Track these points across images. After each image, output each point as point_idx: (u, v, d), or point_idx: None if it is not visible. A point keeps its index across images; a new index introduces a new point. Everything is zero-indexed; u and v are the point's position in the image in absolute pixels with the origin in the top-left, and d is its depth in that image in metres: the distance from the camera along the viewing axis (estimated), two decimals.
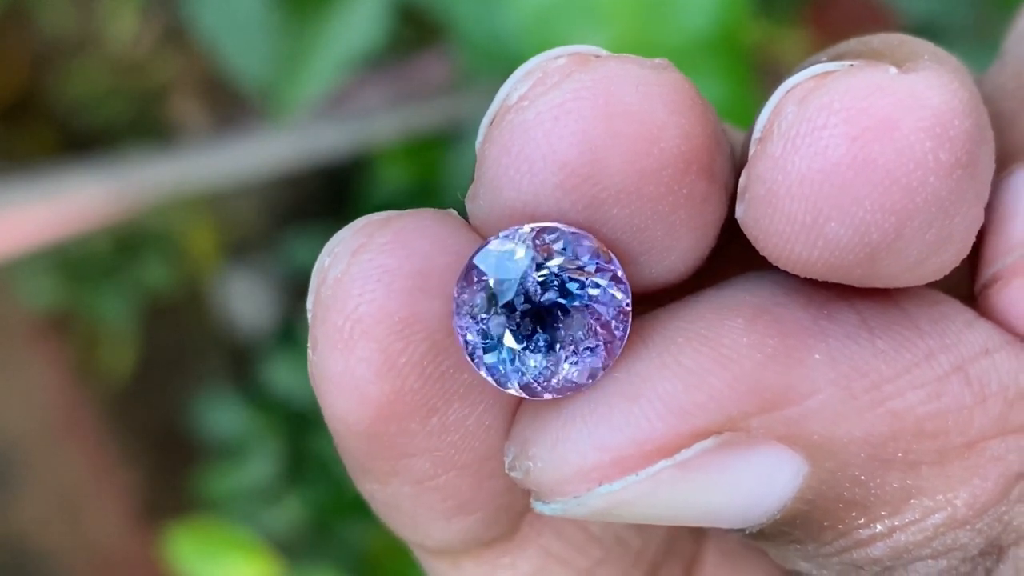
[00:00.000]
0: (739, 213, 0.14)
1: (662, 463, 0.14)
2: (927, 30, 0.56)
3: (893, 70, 0.13)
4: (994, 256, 0.15)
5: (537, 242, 0.14)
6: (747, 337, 0.14)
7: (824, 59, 0.15)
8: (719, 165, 0.14)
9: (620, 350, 0.14)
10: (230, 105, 0.82)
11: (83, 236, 0.76)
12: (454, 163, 0.64)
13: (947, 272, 0.14)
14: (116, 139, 0.81)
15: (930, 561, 0.15)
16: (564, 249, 0.14)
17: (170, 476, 0.83)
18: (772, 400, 0.14)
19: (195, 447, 0.76)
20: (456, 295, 0.14)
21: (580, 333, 0.14)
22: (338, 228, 0.15)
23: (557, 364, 0.14)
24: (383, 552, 0.70)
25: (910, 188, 0.13)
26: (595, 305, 0.14)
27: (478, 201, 0.14)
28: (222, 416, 0.72)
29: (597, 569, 0.17)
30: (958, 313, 0.15)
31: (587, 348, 0.14)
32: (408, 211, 0.14)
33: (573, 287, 0.14)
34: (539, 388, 0.14)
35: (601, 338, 0.14)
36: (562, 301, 0.14)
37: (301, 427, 0.70)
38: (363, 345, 0.14)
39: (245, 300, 0.86)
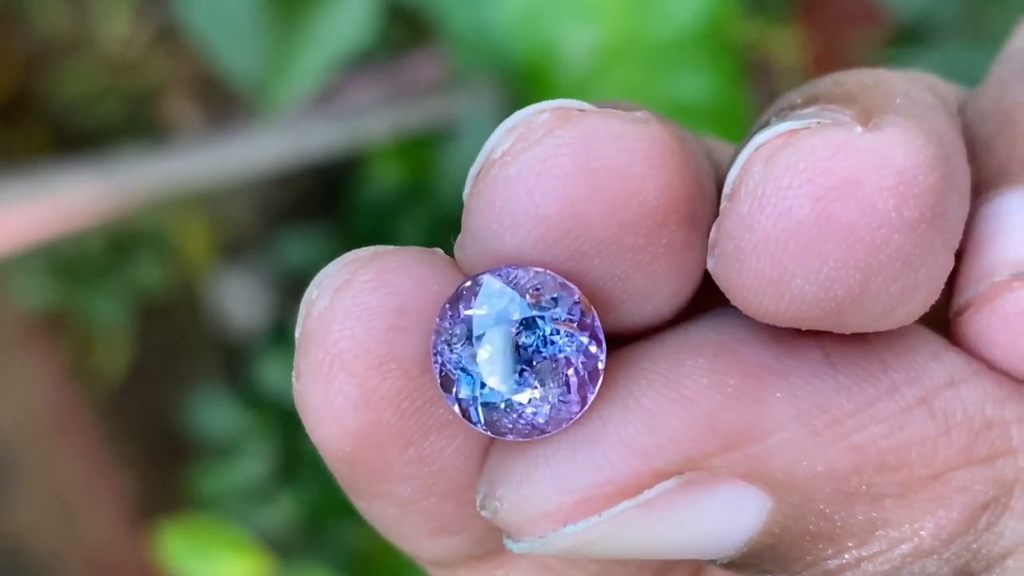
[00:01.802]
0: (710, 265, 0.14)
1: (624, 504, 0.14)
2: (918, 27, 0.56)
3: (858, 129, 0.13)
4: (967, 283, 0.15)
5: (526, 286, 0.14)
6: (707, 377, 0.14)
7: (798, 99, 0.15)
8: (701, 213, 0.14)
9: (588, 404, 0.14)
10: (223, 105, 0.82)
11: (77, 235, 0.76)
12: (446, 161, 0.64)
13: (916, 318, 0.14)
14: (110, 138, 0.81)
15: None
16: (551, 299, 0.14)
17: (164, 475, 0.83)
18: (733, 439, 0.14)
19: (189, 446, 0.76)
20: (438, 321, 0.14)
21: (551, 382, 0.14)
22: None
23: (524, 408, 0.14)
24: (375, 551, 0.70)
25: (874, 245, 0.13)
26: (571, 358, 0.14)
27: (465, 251, 0.15)
28: (215, 415, 0.72)
29: None
30: (924, 345, 0.15)
31: (557, 397, 0.14)
32: (393, 248, 0.15)
33: (553, 336, 0.14)
34: (503, 428, 0.14)
35: (572, 390, 0.14)
36: (540, 348, 0.14)
37: (294, 426, 0.70)
38: (342, 379, 0.14)
39: (238, 299, 0.86)
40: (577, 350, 0.14)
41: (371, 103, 0.69)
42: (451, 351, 0.14)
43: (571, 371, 0.14)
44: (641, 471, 0.14)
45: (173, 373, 0.87)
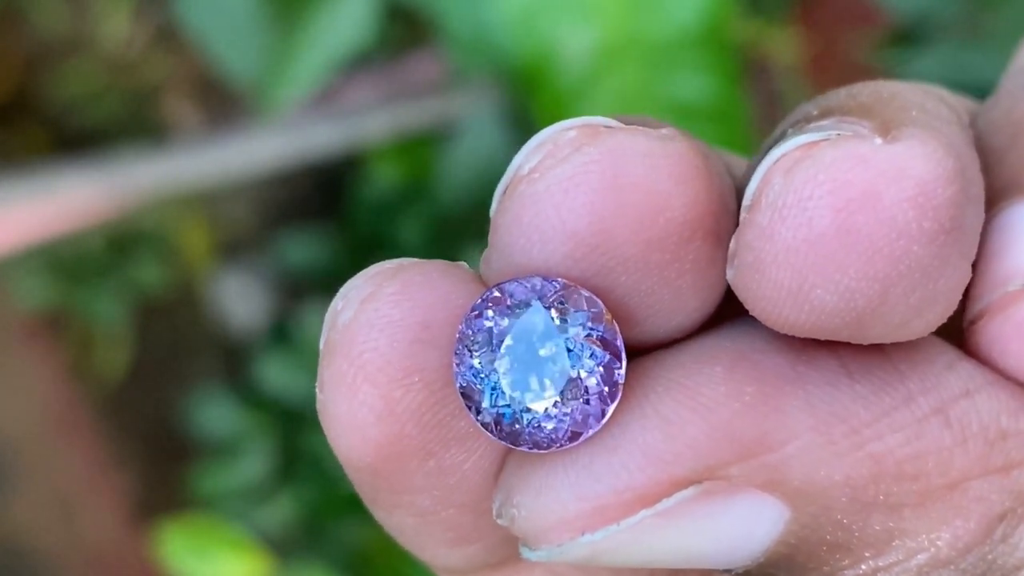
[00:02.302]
0: (729, 276, 0.14)
1: (643, 513, 0.14)
2: (916, 27, 0.56)
3: (878, 140, 0.13)
4: (980, 293, 0.15)
5: (551, 298, 0.14)
6: (725, 386, 0.14)
7: (814, 111, 0.15)
8: (725, 228, 0.14)
9: (604, 421, 0.14)
10: (223, 105, 0.82)
11: (76, 235, 0.76)
12: (445, 161, 0.64)
13: (934, 329, 0.14)
14: (109, 139, 0.81)
15: None
16: (576, 312, 0.14)
17: (164, 475, 0.83)
18: (750, 448, 0.14)
19: (188, 445, 0.76)
20: (461, 328, 0.14)
21: (570, 395, 0.14)
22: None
23: (541, 419, 0.14)
24: (375, 550, 0.70)
25: (893, 257, 0.13)
26: (592, 372, 0.14)
27: (491, 266, 0.15)
28: (215, 415, 0.72)
29: None
30: (940, 355, 0.15)
31: (575, 411, 0.14)
32: (418, 262, 0.15)
33: (575, 350, 0.14)
34: (520, 439, 0.14)
35: (591, 405, 0.14)
36: (561, 360, 0.14)
37: (294, 426, 0.70)
38: (365, 390, 0.14)
39: (238, 299, 0.86)
40: (598, 365, 0.14)
41: (370, 103, 0.69)
42: (472, 358, 0.14)
43: (591, 386, 0.14)
44: (659, 479, 0.14)
45: (173, 373, 0.87)
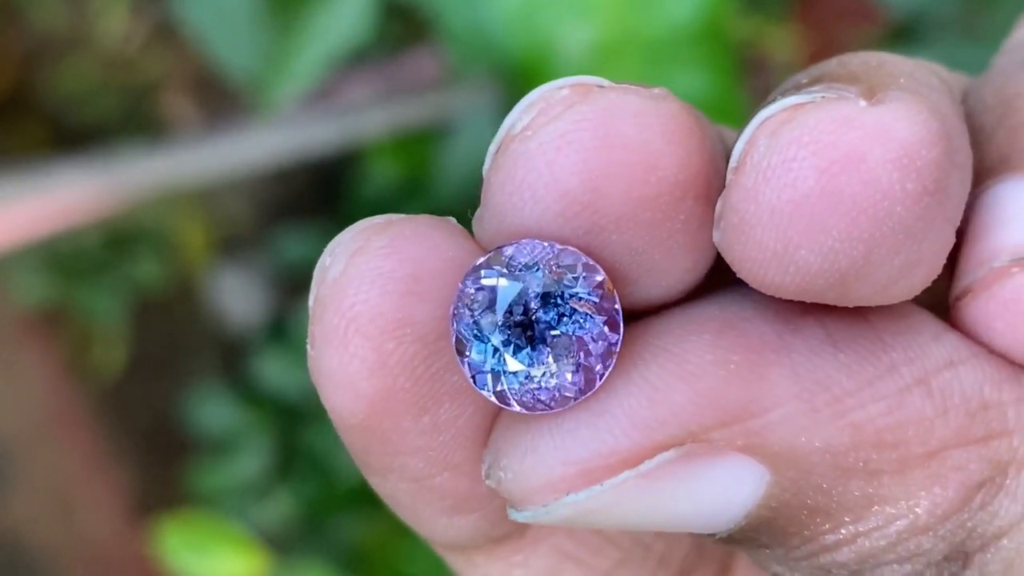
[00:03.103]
0: (716, 238, 0.14)
1: (625, 474, 0.14)
2: (914, 24, 0.56)
3: (862, 102, 0.14)
4: (966, 269, 0.15)
5: (551, 262, 0.14)
6: (711, 353, 0.14)
7: (804, 80, 0.15)
8: (716, 190, 0.15)
9: (597, 387, 0.14)
10: (221, 101, 0.82)
11: (74, 232, 0.76)
12: (443, 158, 0.64)
13: (918, 292, 0.14)
14: (107, 135, 0.81)
15: (895, 566, 0.15)
16: (573, 277, 0.14)
17: (162, 471, 0.83)
18: (734, 413, 0.14)
19: (186, 442, 0.76)
20: (460, 286, 0.14)
21: (564, 360, 0.14)
22: (328, 224, 0.15)
23: (533, 381, 0.14)
24: (374, 547, 0.70)
25: (877, 217, 0.13)
26: (586, 338, 0.14)
27: (484, 225, 0.15)
28: (213, 411, 0.72)
29: (616, 571, 0.18)
30: (925, 326, 0.15)
31: (566, 375, 0.14)
32: (406, 216, 0.15)
33: (571, 315, 0.14)
34: (510, 399, 0.14)
35: (582, 370, 0.14)
36: (556, 325, 0.14)
37: (292, 422, 0.70)
38: (357, 343, 0.14)
39: (236, 296, 0.86)
40: (593, 331, 0.14)
41: (368, 100, 0.69)
42: (470, 316, 0.14)
43: (584, 352, 0.14)
44: (643, 444, 0.14)
45: (171, 369, 0.87)
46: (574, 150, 0.14)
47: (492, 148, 0.15)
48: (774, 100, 0.14)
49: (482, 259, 0.14)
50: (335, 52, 0.52)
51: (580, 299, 0.14)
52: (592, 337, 0.14)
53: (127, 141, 0.76)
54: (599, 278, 0.14)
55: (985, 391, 0.15)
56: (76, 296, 0.82)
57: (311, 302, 0.15)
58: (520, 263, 0.14)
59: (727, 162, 0.15)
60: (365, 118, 0.64)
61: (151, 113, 0.84)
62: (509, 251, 0.14)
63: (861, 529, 0.15)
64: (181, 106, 0.83)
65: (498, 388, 0.14)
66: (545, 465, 0.14)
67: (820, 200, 0.13)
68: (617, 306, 0.14)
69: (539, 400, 0.14)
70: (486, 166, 0.15)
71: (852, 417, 0.14)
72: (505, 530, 0.17)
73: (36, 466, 0.86)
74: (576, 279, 0.14)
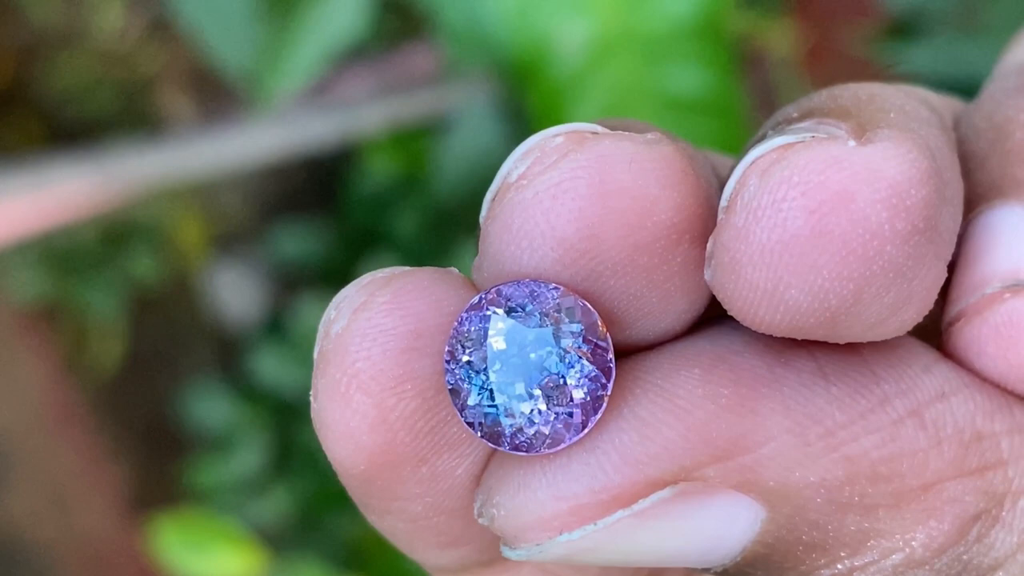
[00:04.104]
0: (707, 276, 0.14)
1: (620, 513, 0.14)
2: (912, 19, 0.56)
3: (852, 142, 0.14)
4: (959, 295, 0.15)
5: (546, 306, 0.14)
6: (702, 388, 0.14)
7: (794, 114, 0.15)
8: (712, 230, 0.15)
9: (586, 432, 0.14)
10: (217, 97, 0.82)
11: (70, 228, 0.76)
12: (440, 153, 0.64)
13: (909, 328, 0.14)
14: (103, 130, 0.81)
15: None
16: (568, 321, 0.14)
17: (158, 467, 0.83)
18: (726, 449, 0.14)
19: (183, 438, 0.76)
20: (455, 325, 0.14)
21: (554, 403, 0.14)
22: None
23: (524, 423, 0.14)
24: (370, 544, 0.70)
25: (867, 257, 0.13)
26: (577, 383, 0.14)
27: (483, 273, 0.15)
28: (210, 407, 0.72)
29: None
30: (916, 357, 0.15)
31: (557, 419, 0.14)
32: (409, 270, 0.15)
33: (564, 359, 0.14)
34: (502, 440, 0.14)
35: (573, 417, 0.14)
36: (549, 368, 0.14)
37: (288, 418, 0.70)
38: (358, 399, 0.15)
39: (232, 291, 0.86)
40: (586, 378, 0.14)
41: (365, 95, 0.69)
42: (463, 355, 0.14)
43: (576, 397, 0.14)
44: (635, 480, 0.14)
45: (167, 365, 0.87)
46: (570, 198, 0.14)
47: (488, 196, 0.15)
48: (765, 137, 0.14)
49: (477, 298, 0.14)
50: (332, 47, 0.52)
51: (575, 344, 0.14)
52: (584, 382, 0.14)
53: (123, 136, 0.76)
54: (593, 322, 0.14)
55: (978, 422, 0.15)
56: (73, 292, 0.82)
57: (315, 354, 0.15)
58: (516, 303, 0.14)
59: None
60: (362, 114, 0.64)
61: (147, 108, 0.84)
62: (505, 291, 0.14)
63: (857, 564, 0.15)
64: (177, 101, 0.83)
65: (489, 429, 0.14)
66: (537, 501, 0.14)
67: (810, 240, 0.13)
68: (610, 353, 0.14)
69: (529, 442, 0.14)
70: (483, 214, 0.15)
71: (846, 450, 0.14)
72: (493, 555, 0.17)
73: (33, 462, 0.86)
74: (572, 323, 0.14)
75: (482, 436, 0.14)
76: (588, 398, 0.14)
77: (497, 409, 0.14)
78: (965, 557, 0.15)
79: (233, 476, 0.71)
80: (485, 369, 0.14)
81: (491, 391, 0.14)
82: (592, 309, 0.14)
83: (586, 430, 0.14)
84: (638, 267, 0.14)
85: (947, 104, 0.17)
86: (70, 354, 0.87)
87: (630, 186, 0.14)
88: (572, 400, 0.14)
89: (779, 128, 0.15)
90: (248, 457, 0.71)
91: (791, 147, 0.14)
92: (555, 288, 0.14)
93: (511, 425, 0.14)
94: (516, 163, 0.14)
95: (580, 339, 0.14)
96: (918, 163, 0.13)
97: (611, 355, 0.14)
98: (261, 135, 0.62)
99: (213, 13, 0.53)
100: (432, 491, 0.15)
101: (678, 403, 0.14)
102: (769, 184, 0.13)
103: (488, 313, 0.14)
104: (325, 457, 0.15)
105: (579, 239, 0.14)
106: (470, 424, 0.14)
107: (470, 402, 0.14)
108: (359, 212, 0.70)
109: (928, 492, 0.14)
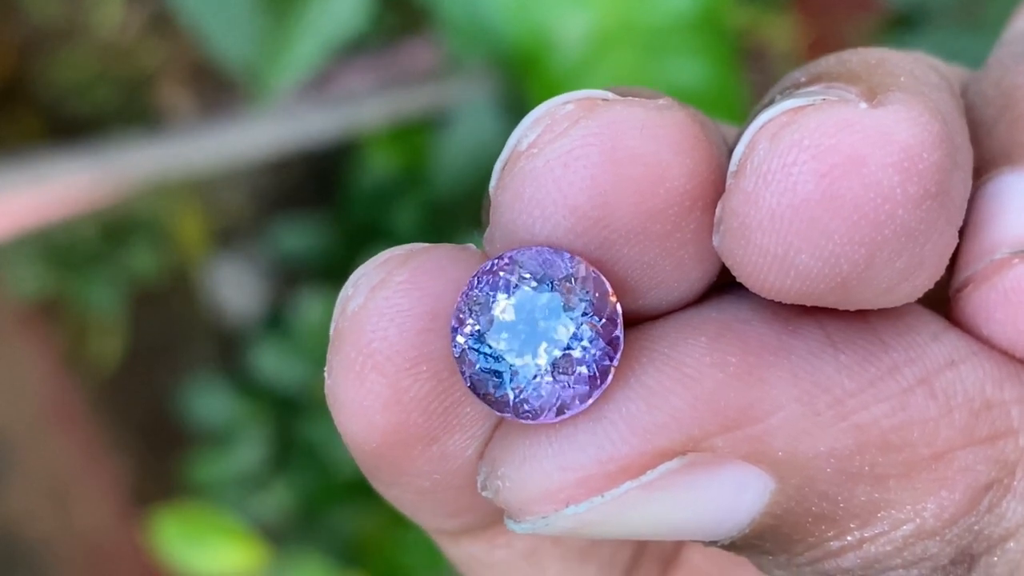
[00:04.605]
0: (716, 242, 0.14)
1: (627, 484, 0.14)
2: (912, 13, 0.56)
3: (863, 105, 0.13)
4: (967, 261, 0.15)
5: (561, 274, 0.14)
6: (709, 356, 0.14)
7: (802, 78, 0.15)
8: None
9: (592, 400, 0.14)
10: (217, 91, 0.82)
11: (70, 223, 0.76)
12: (441, 148, 0.64)
13: (920, 295, 0.14)
14: (103, 125, 0.81)
15: (901, 571, 0.15)
16: (582, 292, 0.14)
17: (158, 463, 0.83)
18: (734, 418, 0.14)
19: (183, 433, 0.76)
20: (466, 290, 0.14)
21: (561, 371, 0.14)
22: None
23: (529, 390, 0.14)
24: (371, 538, 0.70)
25: (878, 221, 0.13)
26: (585, 355, 0.14)
27: (494, 244, 0.15)
28: (210, 403, 0.72)
29: (592, 548, 0.18)
30: (925, 325, 0.15)
31: (563, 387, 0.14)
32: (428, 247, 0.15)
33: (573, 329, 0.14)
34: (506, 407, 0.14)
35: (578, 387, 0.14)
36: (557, 337, 0.14)
37: (289, 413, 0.70)
38: (373, 378, 0.14)
39: (233, 286, 0.86)
40: (593, 346, 0.14)
41: (365, 90, 0.69)
42: (472, 318, 0.14)
43: (582, 367, 0.14)
44: (643, 450, 0.14)
45: (167, 360, 0.87)
46: (582, 166, 0.14)
47: (498, 166, 0.15)
48: (773, 101, 0.14)
49: (489, 263, 0.14)
50: (332, 41, 0.52)
51: (584, 312, 0.14)
52: (592, 351, 0.14)
53: (123, 131, 0.76)
54: (604, 292, 0.14)
55: (988, 390, 0.15)
56: (72, 287, 0.82)
57: (331, 330, 0.15)
58: (528, 270, 0.14)
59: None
60: (362, 108, 0.64)
61: (147, 103, 0.84)
62: (518, 257, 0.14)
63: (867, 535, 0.14)
64: (177, 96, 0.83)
65: (493, 396, 0.14)
66: (543, 472, 0.14)
67: (820, 204, 0.13)
68: (619, 326, 0.14)
69: (535, 409, 0.14)
70: (492, 184, 0.15)
71: (855, 419, 0.14)
72: (496, 519, 0.17)
73: (33, 457, 0.86)
74: (583, 292, 0.14)
75: (487, 403, 0.14)
76: (595, 367, 0.14)
77: (503, 376, 0.14)
78: (976, 527, 0.15)
79: (233, 471, 0.71)
80: (492, 335, 0.14)
81: (497, 357, 0.14)
82: (603, 279, 0.14)
83: (592, 399, 0.14)
84: (651, 234, 0.14)
85: (955, 72, 0.17)
86: (70, 349, 0.87)
87: (642, 152, 0.14)
88: (578, 370, 0.14)
89: (787, 92, 0.14)
90: (248, 452, 0.71)
91: (801, 110, 0.13)
92: (568, 256, 0.14)
93: (516, 393, 0.14)
94: (526, 131, 0.14)
95: (590, 308, 0.14)
96: (930, 126, 0.13)
97: (620, 325, 0.14)
98: (261, 130, 0.62)
99: (213, 7, 0.53)
100: (441, 469, 0.15)
101: (685, 371, 0.14)
102: (779, 148, 0.13)
103: (498, 279, 0.14)
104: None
105: (591, 207, 0.14)
106: (474, 390, 0.14)
107: (476, 367, 0.14)
108: (359, 207, 0.70)
109: (939, 461, 0.14)
